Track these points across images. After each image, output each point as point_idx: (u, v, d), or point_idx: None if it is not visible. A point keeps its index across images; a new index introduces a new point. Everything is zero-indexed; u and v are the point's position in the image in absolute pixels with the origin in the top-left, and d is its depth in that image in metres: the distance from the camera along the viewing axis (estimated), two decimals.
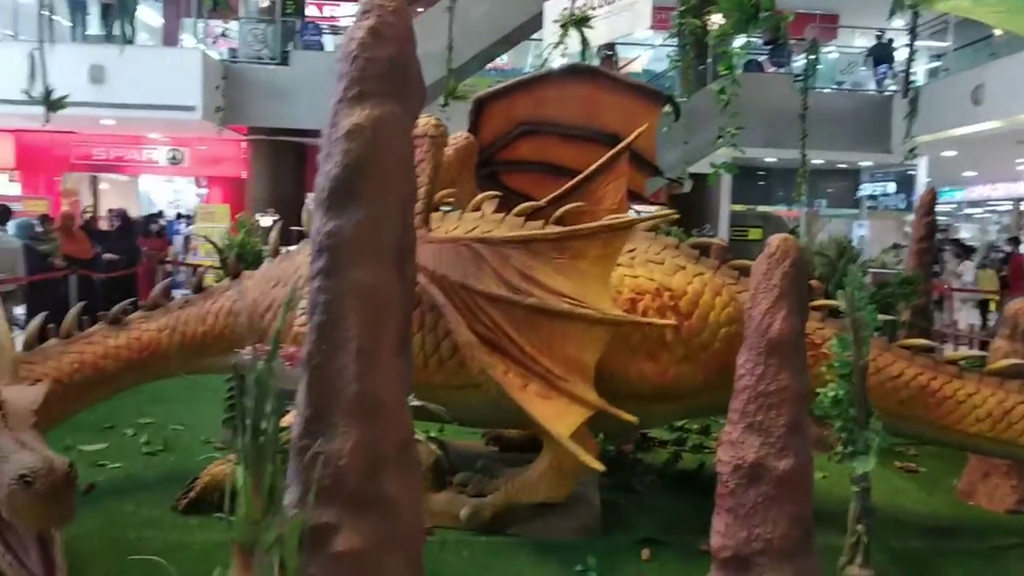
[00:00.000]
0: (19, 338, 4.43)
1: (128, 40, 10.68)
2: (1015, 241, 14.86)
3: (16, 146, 17.44)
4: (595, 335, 3.73)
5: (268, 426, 1.88)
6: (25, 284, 8.81)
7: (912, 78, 14.69)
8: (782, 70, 16.94)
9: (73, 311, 4.51)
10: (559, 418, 3.64)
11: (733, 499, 2.62)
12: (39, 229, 9.41)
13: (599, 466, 3.65)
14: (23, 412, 3.48)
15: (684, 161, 10.47)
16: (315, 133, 14.95)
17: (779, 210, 20.81)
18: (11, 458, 3.16)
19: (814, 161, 16.09)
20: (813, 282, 5.85)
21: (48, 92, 8.92)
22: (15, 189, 17.66)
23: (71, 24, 14.37)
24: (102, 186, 19.89)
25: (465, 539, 4.00)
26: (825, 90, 17.45)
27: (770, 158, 17.94)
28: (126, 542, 3.83)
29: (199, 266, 11.94)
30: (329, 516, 2.15)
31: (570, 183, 4.27)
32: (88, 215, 12.93)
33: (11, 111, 13.22)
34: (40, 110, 9.92)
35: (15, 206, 15.19)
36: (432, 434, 4.74)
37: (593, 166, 4.23)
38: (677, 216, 4.63)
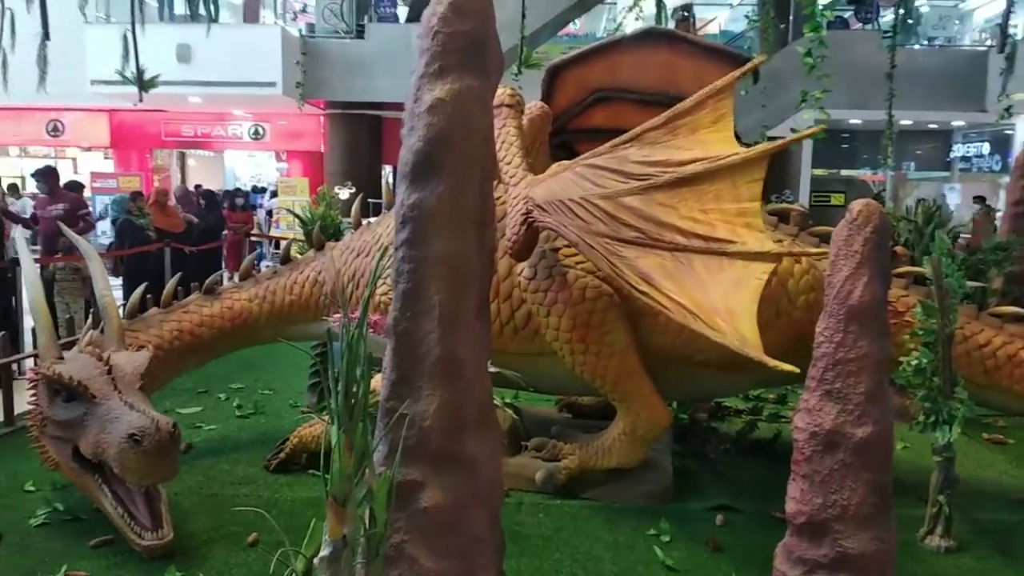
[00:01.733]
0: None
1: (213, 19, 11.06)
2: None
3: (110, 125, 18.31)
4: (747, 179, 3.33)
5: (358, 389, 2.00)
6: (121, 257, 9.36)
7: (1010, 31, 13.87)
8: (868, 26, 16.22)
9: (171, 282, 4.78)
10: (740, 287, 3.17)
11: (809, 466, 2.62)
12: (131, 204, 9.95)
13: (791, 366, 2.94)
14: (130, 376, 3.75)
15: (762, 125, 10.23)
16: (391, 105, 15.20)
17: (864, 174, 20.05)
18: (121, 419, 3.42)
19: (902, 122, 15.40)
20: (898, 248, 5.68)
21: (140, 72, 9.33)
22: (109, 166, 18.60)
23: (158, 4, 14.94)
24: (190, 162, 20.72)
25: (541, 501, 4.11)
26: (915, 46, 16.62)
27: (854, 119, 17.25)
28: (223, 498, 4.08)
29: (282, 238, 12.40)
30: (414, 473, 2.27)
31: None
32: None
33: (106, 91, 13.92)
34: (132, 90, 10.43)
35: (110, 183, 16.05)
36: (508, 400, 4.87)
37: None
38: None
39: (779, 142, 3.60)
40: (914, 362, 3.68)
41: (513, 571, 3.22)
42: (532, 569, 3.39)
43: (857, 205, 2.73)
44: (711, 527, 3.87)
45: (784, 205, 4.52)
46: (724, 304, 3.14)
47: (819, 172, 18.93)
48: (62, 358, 3.86)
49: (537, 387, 4.39)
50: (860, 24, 16.44)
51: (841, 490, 2.56)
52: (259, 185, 19.44)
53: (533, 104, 4.59)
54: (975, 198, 15.18)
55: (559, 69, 4.92)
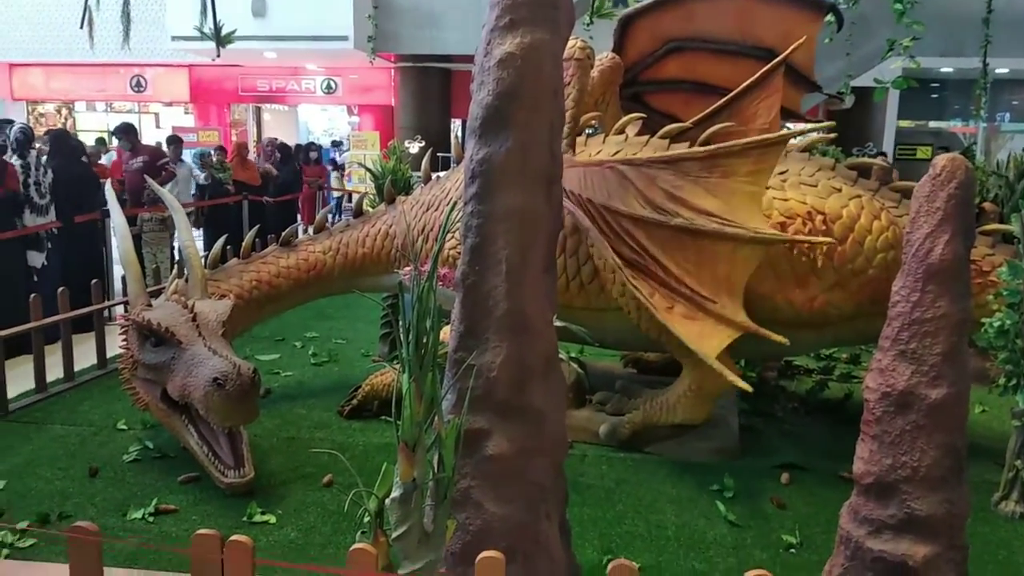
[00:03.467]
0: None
1: None
2: None
3: (190, 80, 18.79)
4: (746, 254, 3.63)
5: (428, 340, 2.06)
6: (202, 208, 9.72)
7: None
8: None
9: (250, 234, 4.95)
10: (705, 339, 3.61)
11: (879, 426, 2.57)
12: (214, 158, 10.26)
13: (746, 386, 3.59)
14: (213, 323, 3.93)
15: (846, 74, 9.78)
16: (461, 58, 15.12)
17: (954, 126, 19.01)
18: (206, 363, 3.60)
19: (998, 70, 14.48)
20: (987, 205, 5.42)
21: (218, 28, 9.51)
22: (189, 121, 19.14)
23: None
24: (265, 116, 21.13)
25: (605, 454, 4.16)
26: None
27: (945, 68, 16.25)
28: (300, 441, 4.29)
29: (355, 192, 12.61)
30: (481, 422, 2.34)
31: (720, 102, 4.15)
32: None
33: (185, 47, 14.26)
34: (210, 45, 10.67)
35: (190, 136, 16.55)
36: (573, 354, 4.91)
37: (744, 83, 4.08)
38: (834, 135, 4.39)
39: (772, 234, 3.69)
40: (997, 323, 3.54)
41: (576, 520, 3.29)
42: (594, 519, 3.46)
43: (941, 160, 2.62)
44: (776, 485, 3.86)
45: (865, 159, 4.35)
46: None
47: (905, 123, 18.02)
48: (150, 305, 4.07)
49: (602, 342, 4.41)
50: None
51: (912, 451, 2.51)
52: (337, 139, 19.70)
53: (605, 55, 4.51)
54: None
55: (632, 19, 4.81)
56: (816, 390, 4.99)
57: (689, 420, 4.11)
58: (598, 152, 4.22)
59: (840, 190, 4.01)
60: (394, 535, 2.06)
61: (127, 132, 9.06)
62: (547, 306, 2.40)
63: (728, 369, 3.62)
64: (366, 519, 2.17)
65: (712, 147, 3.72)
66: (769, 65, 4.09)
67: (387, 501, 2.07)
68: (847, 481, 3.80)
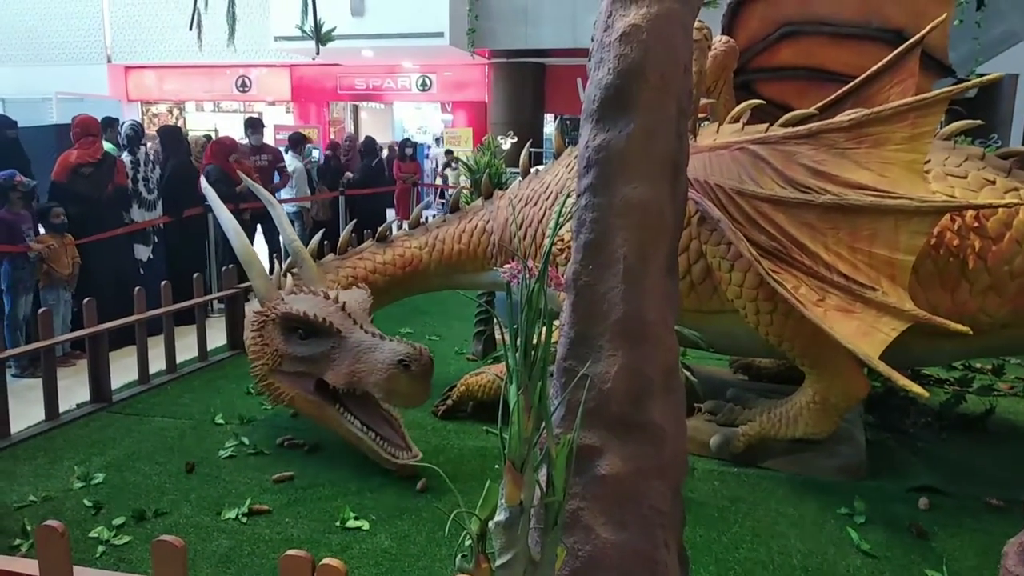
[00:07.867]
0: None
1: None
2: None
3: (292, 80, 19.30)
4: (912, 229, 3.14)
5: (538, 346, 1.84)
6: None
7: None
8: None
9: (347, 229, 4.87)
10: (865, 336, 3.15)
11: None
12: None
13: (921, 391, 3.12)
14: (360, 311, 3.91)
15: (974, 60, 9.04)
16: (556, 52, 14.94)
17: None
18: (381, 348, 3.61)
19: None
20: None
21: (318, 26, 9.61)
22: (290, 119, 19.65)
23: None
24: (362, 115, 21.49)
25: (716, 468, 3.86)
26: None
27: None
28: None
29: (448, 188, 12.56)
30: (592, 438, 2.10)
31: (848, 86, 3.81)
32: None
33: (287, 47, 14.62)
34: (310, 45, 10.85)
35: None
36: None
37: (876, 66, 3.72)
38: (980, 123, 3.93)
39: (943, 202, 3.23)
40: None
41: (688, 542, 3.00)
42: (708, 541, 3.17)
43: None
44: (913, 510, 3.46)
45: (1018, 148, 3.88)
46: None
47: None
48: (283, 300, 3.98)
49: (713, 346, 4.11)
50: None
51: None
52: (436, 135, 19.76)
53: (720, 39, 4.22)
54: None
55: (743, 2, 4.55)
56: (952, 403, 4.50)
57: (812, 434, 3.75)
58: (713, 142, 3.92)
59: (994, 182, 3.55)
60: (498, 563, 1.86)
61: (256, 126, 9.18)
62: (669, 312, 2.14)
63: (897, 375, 3.18)
64: (467, 543, 1.97)
65: (859, 114, 3.30)
66: (906, 44, 3.73)
67: (491, 524, 1.87)
68: (997, 509, 3.40)
